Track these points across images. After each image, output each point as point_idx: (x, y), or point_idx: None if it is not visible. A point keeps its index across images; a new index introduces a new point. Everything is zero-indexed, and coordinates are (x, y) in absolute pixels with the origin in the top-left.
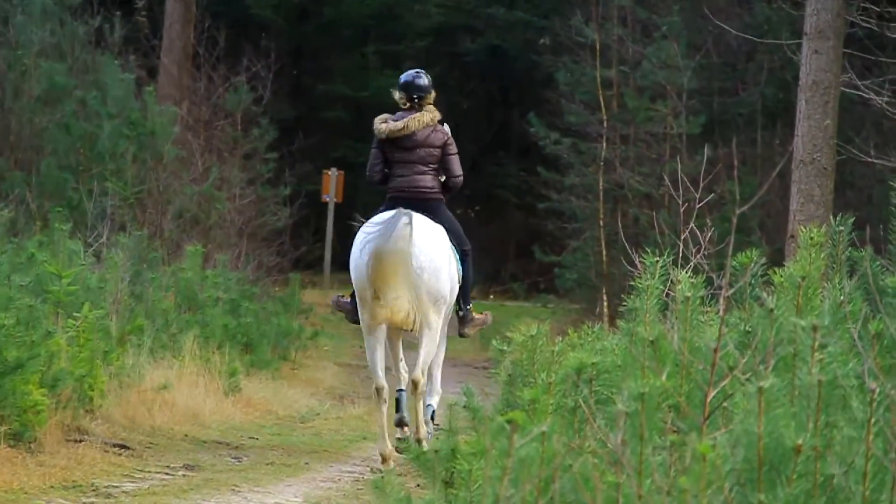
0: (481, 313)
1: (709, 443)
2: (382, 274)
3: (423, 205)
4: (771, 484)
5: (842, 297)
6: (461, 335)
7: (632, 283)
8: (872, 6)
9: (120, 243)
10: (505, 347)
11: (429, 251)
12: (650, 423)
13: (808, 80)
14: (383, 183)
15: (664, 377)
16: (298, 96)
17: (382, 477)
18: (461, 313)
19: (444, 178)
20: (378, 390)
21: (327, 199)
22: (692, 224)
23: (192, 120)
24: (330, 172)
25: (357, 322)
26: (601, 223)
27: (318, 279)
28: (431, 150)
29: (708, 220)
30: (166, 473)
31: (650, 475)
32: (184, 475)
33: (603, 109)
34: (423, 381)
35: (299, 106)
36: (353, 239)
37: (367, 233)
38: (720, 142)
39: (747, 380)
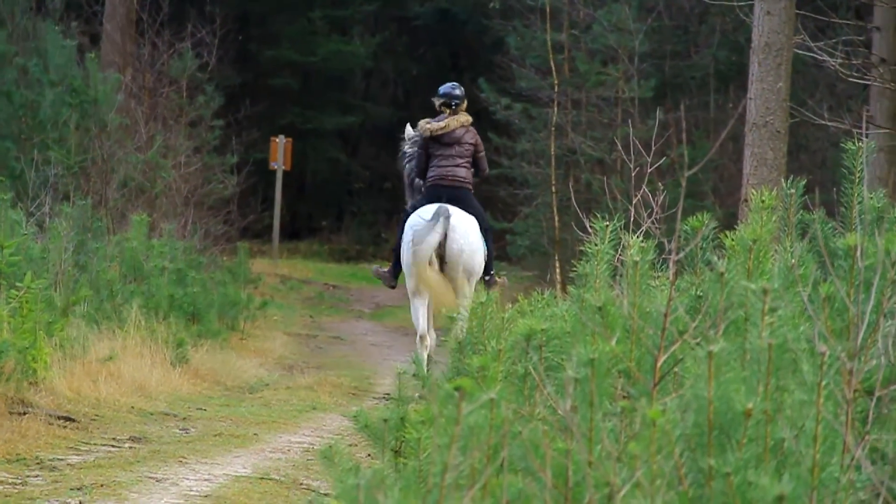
0: (500, 277)
1: (659, 408)
2: (428, 263)
3: (457, 192)
4: (721, 448)
5: (793, 261)
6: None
7: (583, 248)
8: None
9: (63, 213)
10: (454, 315)
11: (465, 237)
12: (600, 389)
13: (761, 42)
14: (423, 176)
15: (614, 343)
16: (245, 62)
17: (331, 447)
18: (487, 278)
19: (474, 171)
20: (421, 338)
21: (275, 167)
22: (644, 189)
23: (136, 87)
24: (278, 140)
25: (394, 287)
26: (553, 189)
27: (266, 248)
28: (466, 146)
29: (660, 185)
30: (112, 446)
31: (600, 441)
32: (130, 447)
33: (554, 74)
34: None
35: (246, 72)
36: (399, 222)
37: (415, 224)
38: (672, 105)
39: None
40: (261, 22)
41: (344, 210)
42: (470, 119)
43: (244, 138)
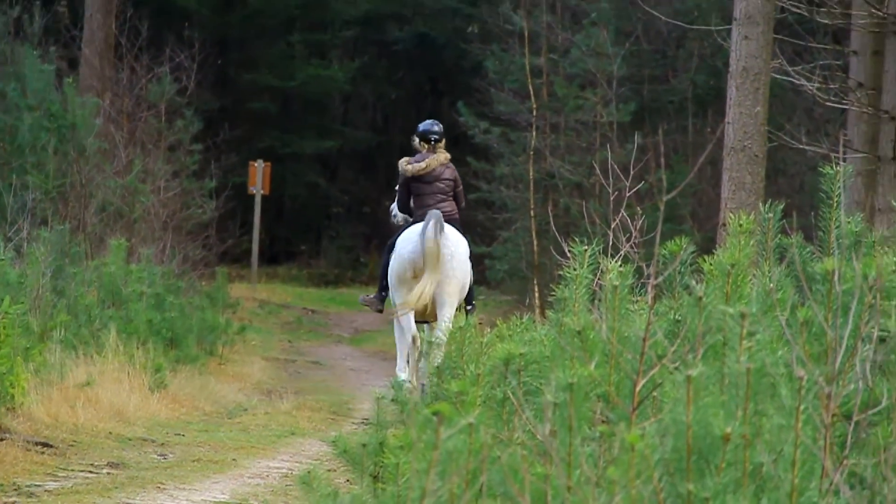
0: (479, 316)
1: (638, 432)
2: (422, 261)
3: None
4: (700, 473)
5: (770, 285)
6: None
7: (562, 272)
8: None
9: (42, 238)
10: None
11: (456, 245)
12: (579, 414)
13: (739, 67)
14: (406, 212)
15: (592, 367)
16: (223, 87)
17: (309, 472)
18: (468, 309)
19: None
20: (413, 338)
21: (254, 191)
22: (623, 213)
23: (115, 112)
24: (256, 164)
25: (381, 311)
26: (532, 213)
27: (245, 273)
28: (447, 182)
29: (639, 209)
30: (90, 472)
31: (579, 466)
32: (108, 473)
33: (532, 98)
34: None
35: (224, 96)
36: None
37: (406, 238)
38: (651, 130)
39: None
40: (240, 46)
41: (322, 234)
42: (448, 156)
43: (223, 162)
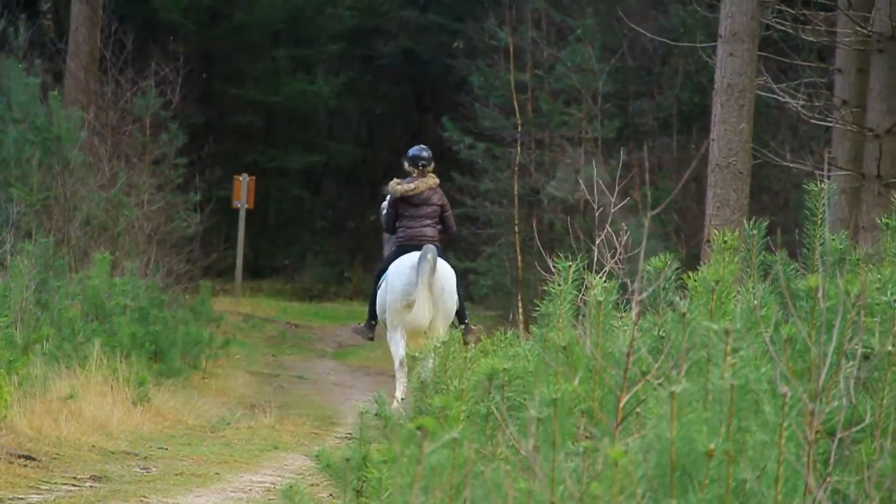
0: (475, 325)
1: (621, 448)
2: (414, 296)
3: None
4: (683, 489)
5: (755, 302)
6: (465, 343)
7: (546, 288)
8: (787, 9)
9: (25, 251)
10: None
11: (447, 278)
12: (562, 429)
13: (723, 84)
14: (392, 231)
15: (576, 382)
16: (208, 101)
17: (292, 486)
18: (463, 326)
19: (441, 228)
20: (401, 363)
21: (238, 206)
22: (607, 229)
23: (100, 125)
24: (241, 178)
25: (372, 339)
26: (516, 229)
27: (229, 287)
28: (434, 207)
29: (624, 225)
30: (73, 485)
31: (562, 482)
32: (91, 486)
33: (517, 114)
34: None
35: (209, 110)
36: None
37: (399, 269)
38: (635, 146)
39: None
40: (225, 60)
41: (307, 249)
42: (437, 181)
43: (207, 176)
